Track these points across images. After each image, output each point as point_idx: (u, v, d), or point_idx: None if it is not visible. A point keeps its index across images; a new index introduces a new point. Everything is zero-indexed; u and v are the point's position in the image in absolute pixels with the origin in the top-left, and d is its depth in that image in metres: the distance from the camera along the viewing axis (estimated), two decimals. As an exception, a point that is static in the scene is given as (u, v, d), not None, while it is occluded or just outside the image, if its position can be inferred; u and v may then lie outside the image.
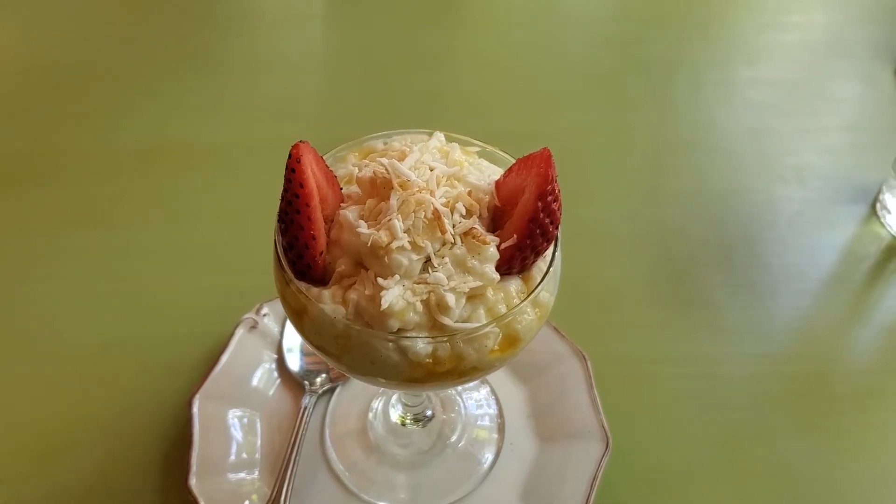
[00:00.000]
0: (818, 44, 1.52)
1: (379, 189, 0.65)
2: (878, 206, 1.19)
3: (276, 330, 0.98)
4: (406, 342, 0.62)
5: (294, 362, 0.95)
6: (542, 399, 0.94)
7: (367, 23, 1.56)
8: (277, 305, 0.98)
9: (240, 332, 0.96)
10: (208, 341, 0.98)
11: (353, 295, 0.63)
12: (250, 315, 0.97)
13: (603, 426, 0.88)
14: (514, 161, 0.68)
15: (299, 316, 0.66)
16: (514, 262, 0.65)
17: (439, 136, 0.72)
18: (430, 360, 0.63)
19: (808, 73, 1.45)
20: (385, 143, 0.74)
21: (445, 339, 0.63)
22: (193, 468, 0.84)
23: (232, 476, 0.86)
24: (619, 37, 1.55)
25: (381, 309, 0.60)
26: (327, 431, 0.92)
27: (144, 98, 1.38)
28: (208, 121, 1.33)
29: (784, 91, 1.41)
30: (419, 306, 0.62)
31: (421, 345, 0.62)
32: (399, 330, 0.62)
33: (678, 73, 1.45)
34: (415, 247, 0.62)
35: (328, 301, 0.63)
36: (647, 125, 1.34)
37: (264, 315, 0.98)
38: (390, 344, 0.62)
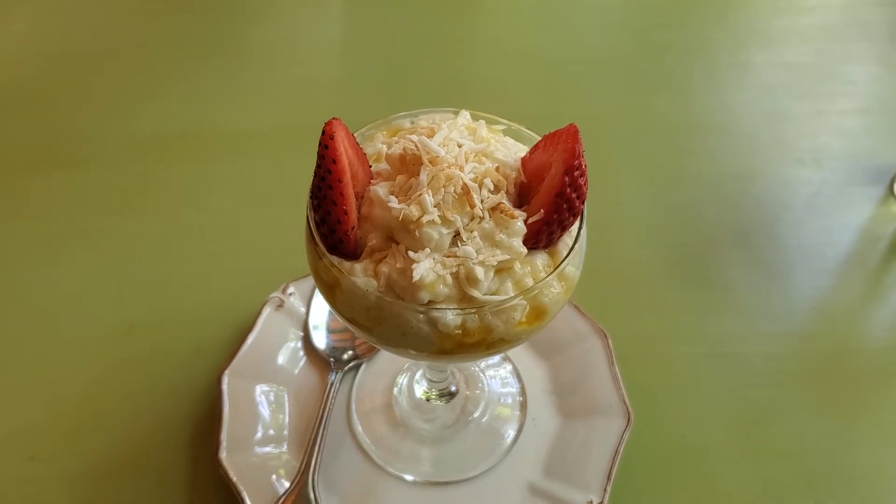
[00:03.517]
0: (834, 26, 1.53)
1: (408, 165, 0.66)
2: (895, 186, 1.19)
3: (302, 308, 0.99)
4: (436, 314, 0.63)
5: (320, 340, 0.97)
6: (564, 376, 0.95)
7: (386, 9, 1.57)
8: (303, 285, 1.00)
9: (267, 310, 0.97)
10: (236, 320, 1.00)
11: (384, 268, 0.64)
12: (277, 294, 0.99)
13: (624, 401, 0.89)
14: (539, 139, 0.69)
15: (331, 289, 0.68)
16: (540, 237, 0.66)
17: (466, 115, 0.73)
18: (460, 332, 0.64)
19: (824, 55, 1.46)
20: (412, 122, 0.75)
21: (474, 311, 0.64)
22: (223, 443, 0.86)
23: (260, 450, 0.87)
24: (635, 22, 1.55)
25: (413, 281, 0.61)
26: (353, 407, 0.93)
27: (168, 85, 1.39)
28: (230, 106, 1.35)
29: (800, 74, 1.41)
30: (449, 279, 0.63)
31: (451, 316, 0.63)
32: (429, 302, 0.63)
33: (694, 58, 1.45)
34: (444, 221, 0.63)
35: (360, 274, 0.65)
36: (664, 109, 1.35)
37: (290, 294, 0.99)
38: (421, 316, 0.64)
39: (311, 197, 0.66)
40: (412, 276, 0.61)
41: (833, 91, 1.38)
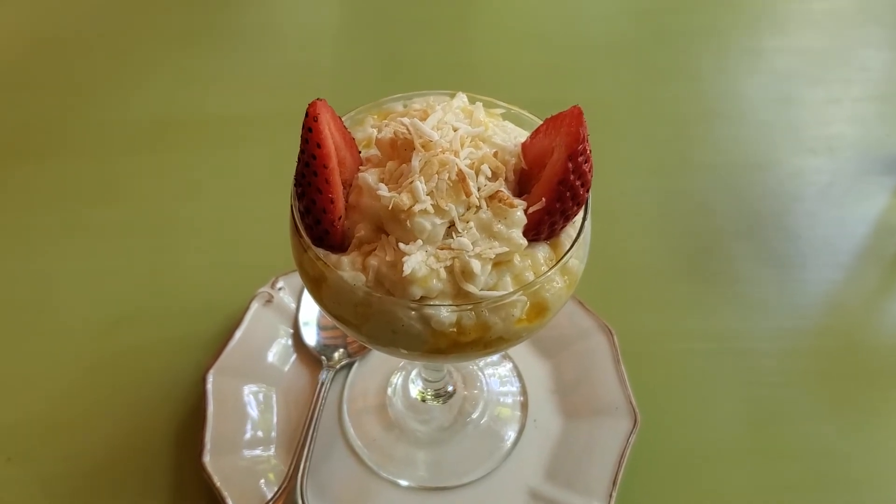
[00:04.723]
0: (847, 11, 1.48)
1: (400, 150, 0.62)
2: (912, 176, 1.15)
3: (291, 304, 0.96)
4: (429, 311, 0.59)
5: (311, 337, 0.93)
6: (568, 375, 0.91)
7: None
8: (293, 279, 0.97)
9: (255, 306, 0.94)
10: (223, 316, 0.96)
11: (373, 261, 0.60)
12: (265, 289, 0.95)
13: (631, 402, 0.86)
14: (540, 122, 0.65)
15: (317, 284, 0.64)
16: (542, 228, 0.62)
17: (462, 97, 0.69)
18: (455, 330, 0.61)
19: (837, 40, 1.41)
20: (405, 105, 0.71)
21: (470, 307, 0.60)
22: (208, 445, 0.82)
23: (247, 453, 0.84)
24: (643, 5, 1.51)
25: (403, 275, 0.58)
26: (345, 407, 0.90)
27: (155, 70, 1.35)
28: (220, 93, 1.31)
29: (813, 60, 1.37)
30: (443, 273, 0.59)
31: (445, 313, 0.60)
32: (422, 298, 0.59)
33: (703, 42, 1.41)
34: (438, 210, 0.59)
35: (347, 268, 0.61)
36: (672, 96, 1.31)
37: (280, 289, 0.96)
38: (413, 312, 0.60)
39: (294, 184, 0.62)
40: (403, 270, 0.58)
41: (847, 77, 1.34)
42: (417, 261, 0.58)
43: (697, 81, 1.34)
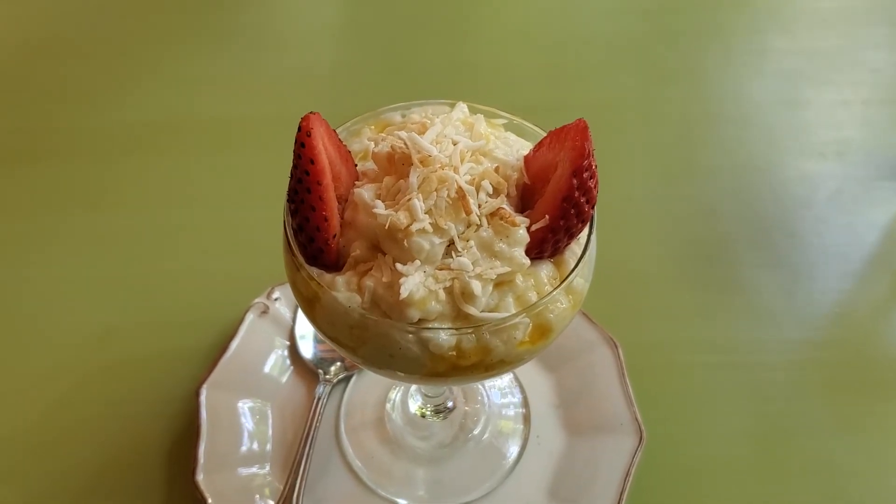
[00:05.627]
0: (857, 10, 1.46)
1: (397, 165, 0.61)
2: (925, 182, 1.13)
3: (288, 315, 0.94)
4: (427, 334, 0.58)
5: (307, 350, 0.91)
6: (571, 389, 0.89)
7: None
8: (289, 290, 0.94)
9: (250, 317, 0.92)
10: (217, 327, 0.94)
11: (369, 282, 0.58)
12: (261, 299, 0.94)
13: (636, 418, 0.84)
14: (543, 134, 0.63)
15: (311, 304, 0.62)
16: (545, 246, 0.60)
17: (462, 108, 0.67)
18: (454, 353, 0.59)
19: (846, 41, 1.39)
20: (403, 116, 0.70)
21: (470, 330, 0.58)
22: (201, 462, 0.81)
23: (242, 470, 0.82)
24: (647, 4, 1.49)
25: (401, 298, 0.56)
26: (342, 423, 0.88)
27: (149, 72, 1.33)
28: (217, 96, 1.29)
29: (821, 61, 1.35)
30: (442, 294, 0.58)
31: (444, 337, 0.58)
32: (420, 320, 0.58)
33: (709, 43, 1.39)
34: (437, 229, 0.58)
35: (342, 288, 0.59)
36: (677, 98, 1.28)
37: (276, 299, 0.94)
38: (410, 336, 0.58)
39: (287, 201, 0.60)
40: (400, 292, 0.55)
41: (857, 79, 1.31)
42: (415, 282, 0.56)
43: (704, 83, 1.32)
